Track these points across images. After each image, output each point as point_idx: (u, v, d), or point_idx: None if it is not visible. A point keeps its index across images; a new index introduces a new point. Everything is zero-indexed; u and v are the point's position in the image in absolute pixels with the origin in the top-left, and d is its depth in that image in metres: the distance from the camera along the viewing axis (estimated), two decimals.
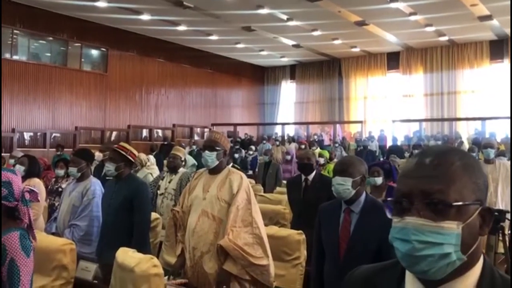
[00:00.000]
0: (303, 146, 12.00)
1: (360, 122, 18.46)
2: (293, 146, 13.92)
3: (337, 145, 13.97)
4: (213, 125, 18.29)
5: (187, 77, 17.87)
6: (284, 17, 13.43)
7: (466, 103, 17.03)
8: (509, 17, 13.17)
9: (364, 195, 2.36)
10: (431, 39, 16.05)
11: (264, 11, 12.68)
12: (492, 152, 5.20)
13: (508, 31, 15.05)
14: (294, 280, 3.34)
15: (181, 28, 14.65)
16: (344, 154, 12.52)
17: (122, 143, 3.68)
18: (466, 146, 11.57)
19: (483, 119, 15.39)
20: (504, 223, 2.95)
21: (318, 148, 12.31)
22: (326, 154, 8.56)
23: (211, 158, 2.86)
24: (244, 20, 13.81)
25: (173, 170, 4.74)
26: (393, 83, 18.72)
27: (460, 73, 17.11)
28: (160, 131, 17.15)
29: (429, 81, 17.72)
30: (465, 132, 15.93)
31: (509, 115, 12.60)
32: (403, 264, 0.89)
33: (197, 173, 3.10)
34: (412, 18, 13.15)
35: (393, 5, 11.96)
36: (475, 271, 0.89)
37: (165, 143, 15.26)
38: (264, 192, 6.99)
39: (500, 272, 0.91)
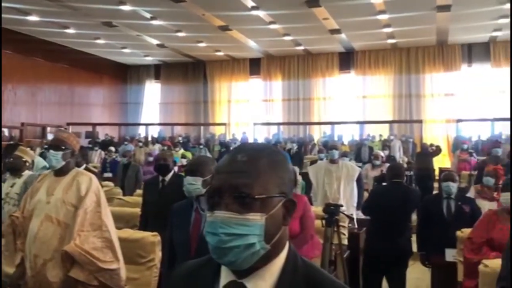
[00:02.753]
0: (166, 148, 11.85)
1: (224, 124, 18.93)
2: (156, 148, 13.68)
3: (201, 146, 14.09)
4: (68, 124, 17.04)
5: (39, 72, 16.37)
6: (148, 15, 13.15)
7: (318, 108, 18.52)
8: (356, 32, 14.76)
9: None
10: (289, 48, 17.12)
11: (126, 7, 12.24)
12: (336, 153, 5.76)
13: (355, 45, 16.82)
14: (148, 283, 3.29)
15: (33, 18, 13.40)
16: (209, 155, 12.70)
17: None
18: (317, 147, 12.57)
19: (332, 123, 16.98)
20: (338, 216, 3.30)
21: (182, 150, 12.31)
22: (189, 155, 8.60)
23: (56, 158, 2.68)
24: (104, 15, 13.16)
25: (13, 172, 4.31)
26: (255, 88, 19.56)
27: (314, 81, 18.55)
28: (6, 130, 15.45)
29: (287, 87, 18.86)
30: (317, 135, 17.31)
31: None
32: (213, 256, 0.94)
33: (41, 175, 2.88)
34: (272, 26, 13.89)
35: (254, 12, 12.49)
36: (280, 258, 0.96)
37: (11, 143, 13.77)
38: (124, 194, 6.74)
39: (302, 258, 1.00)
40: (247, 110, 19.47)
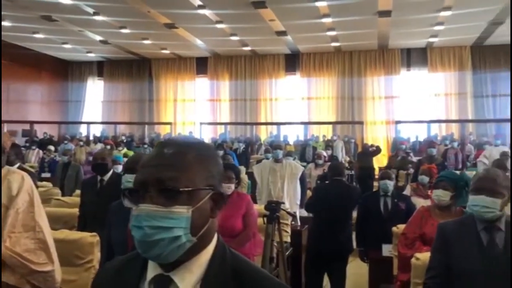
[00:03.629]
0: (108, 147, 11.52)
1: (170, 123, 18.67)
2: (98, 147, 13.25)
3: (146, 146, 13.81)
4: (3, 122, 16.13)
5: None
6: (90, 10, 12.71)
7: (265, 109, 18.69)
8: (301, 34, 15.03)
9: None
10: (236, 48, 17.15)
11: (67, 1, 11.77)
12: (280, 153, 5.86)
13: (300, 47, 17.12)
14: (86, 284, 3.17)
15: None
16: None
17: None
18: (263, 147, 12.69)
19: (278, 124, 17.22)
20: (280, 213, 3.35)
21: (125, 149, 12.03)
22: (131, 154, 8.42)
23: None
24: (43, 8, 12.58)
25: None
26: (201, 87, 19.44)
27: (261, 82, 18.70)
28: None
29: (234, 87, 18.90)
30: (264, 135, 17.47)
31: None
32: (139, 250, 0.93)
33: None
34: (219, 26, 13.85)
35: (200, 11, 12.41)
36: (208, 251, 0.97)
37: None
38: (63, 195, 6.49)
39: (231, 250, 1.01)
40: (193, 110, 19.32)
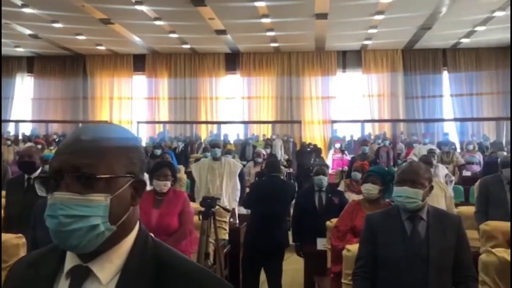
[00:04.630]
0: (40, 146, 10.96)
1: (105, 122, 18.04)
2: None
3: None
4: None
5: None
6: (19, 2, 12.00)
7: (206, 108, 18.59)
8: (241, 34, 15.09)
9: None
10: (175, 45, 16.90)
11: None
12: (219, 151, 5.86)
13: (240, 46, 17.18)
14: None
15: None
16: None
17: None
18: (202, 146, 12.61)
19: (219, 123, 17.19)
20: (215, 209, 3.34)
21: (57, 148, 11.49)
22: None
23: None
24: None
25: None
26: (139, 85, 18.99)
27: (201, 80, 18.57)
28: None
29: (173, 85, 18.62)
30: (205, 134, 17.36)
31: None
32: (54, 241, 0.89)
33: None
34: (157, 23, 13.58)
35: (138, 7, 12.10)
36: (129, 239, 0.94)
37: None
38: None
39: (154, 238, 0.98)
40: (130, 108, 18.85)
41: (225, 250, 4.68)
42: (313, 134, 16.98)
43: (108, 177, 0.90)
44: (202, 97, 18.54)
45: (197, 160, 8.25)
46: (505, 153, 8.84)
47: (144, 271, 0.91)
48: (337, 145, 10.73)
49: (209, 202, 3.26)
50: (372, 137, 14.95)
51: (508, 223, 3.24)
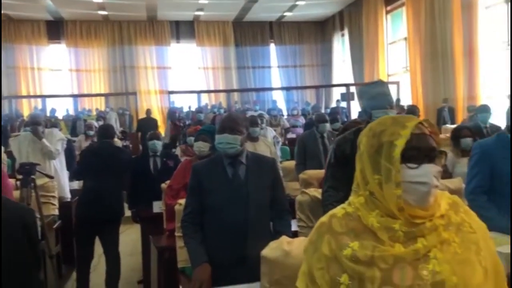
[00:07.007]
0: None
1: None
2: None
3: None
4: None
5: None
6: None
7: (27, 80, 16.74)
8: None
9: None
10: None
11: None
12: (40, 128, 5.28)
13: (64, 13, 15.75)
14: None
15: None
16: None
17: None
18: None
19: (43, 96, 15.76)
20: (35, 176, 3.08)
21: None
22: None
23: None
24: None
25: None
26: None
27: (19, 48, 16.59)
28: None
29: None
30: (27, 110, 15.67)
31: None
32: None
33: None
34: None
35: None
36: None
37: None
38: None
39: None
40: None
41: (55, 226, 4.38)
42: (150, 104, 16.64)
43: None
44: (21, 66, 16.60)
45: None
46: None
47: None
48: (176, 115, 10.85)
49: (28, 169, 2.97)
50: (209, 107, 15.33)
51: (322, 171, 3.67)
